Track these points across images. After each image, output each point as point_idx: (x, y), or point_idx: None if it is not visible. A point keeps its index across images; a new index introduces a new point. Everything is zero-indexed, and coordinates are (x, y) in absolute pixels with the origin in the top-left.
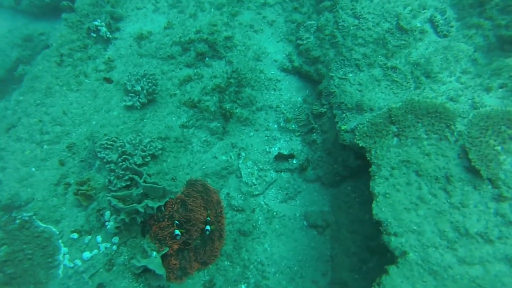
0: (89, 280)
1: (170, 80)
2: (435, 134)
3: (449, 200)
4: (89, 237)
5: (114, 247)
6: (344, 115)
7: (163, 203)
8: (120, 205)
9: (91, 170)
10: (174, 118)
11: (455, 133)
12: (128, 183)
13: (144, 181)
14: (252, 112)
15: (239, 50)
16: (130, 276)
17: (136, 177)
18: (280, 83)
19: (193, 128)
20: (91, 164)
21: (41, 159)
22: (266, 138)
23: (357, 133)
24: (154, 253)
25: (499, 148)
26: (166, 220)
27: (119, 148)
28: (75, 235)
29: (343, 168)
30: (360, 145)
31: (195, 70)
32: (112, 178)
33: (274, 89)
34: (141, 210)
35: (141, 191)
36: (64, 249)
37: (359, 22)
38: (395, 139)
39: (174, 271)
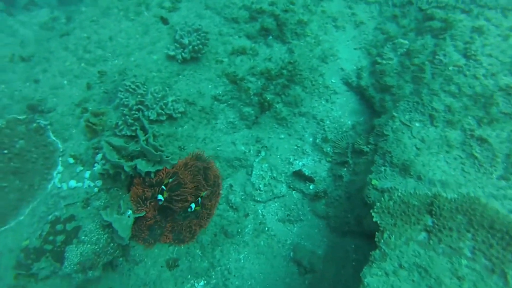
0: (64, 208)
1: (223, 44)
2: (487, 260)
3: None
4: (81, 168)
5: (96, 189)
6: (383, 168)
7: (154, 170)
8: (109, 155)
9: (109, 105)
10: (210, 86)
11: None
12: (134, 134)
13: (146, 140)
14: (293, 114)
15: (307, 42)
16: (99, 222)
17: (140, 133)
18: (336, 96)
19: (225, 104)
20: (111, 99)
21: (74, 75)
22: (296, 147)
23: (377, 204)
24: (130, 212)
25: None
26: (153, 183)
27: (139, 96)
28: (72, 160)
29: (356, 223)
30: (375, 219)
31: (253, 45)
32: (120, 122)
33: (327, 100)
34: (127, 169)
35: (139, 148)
36: (60, 168)
37: (466, 64)
38: (423, 234)
39: (144, 234)
